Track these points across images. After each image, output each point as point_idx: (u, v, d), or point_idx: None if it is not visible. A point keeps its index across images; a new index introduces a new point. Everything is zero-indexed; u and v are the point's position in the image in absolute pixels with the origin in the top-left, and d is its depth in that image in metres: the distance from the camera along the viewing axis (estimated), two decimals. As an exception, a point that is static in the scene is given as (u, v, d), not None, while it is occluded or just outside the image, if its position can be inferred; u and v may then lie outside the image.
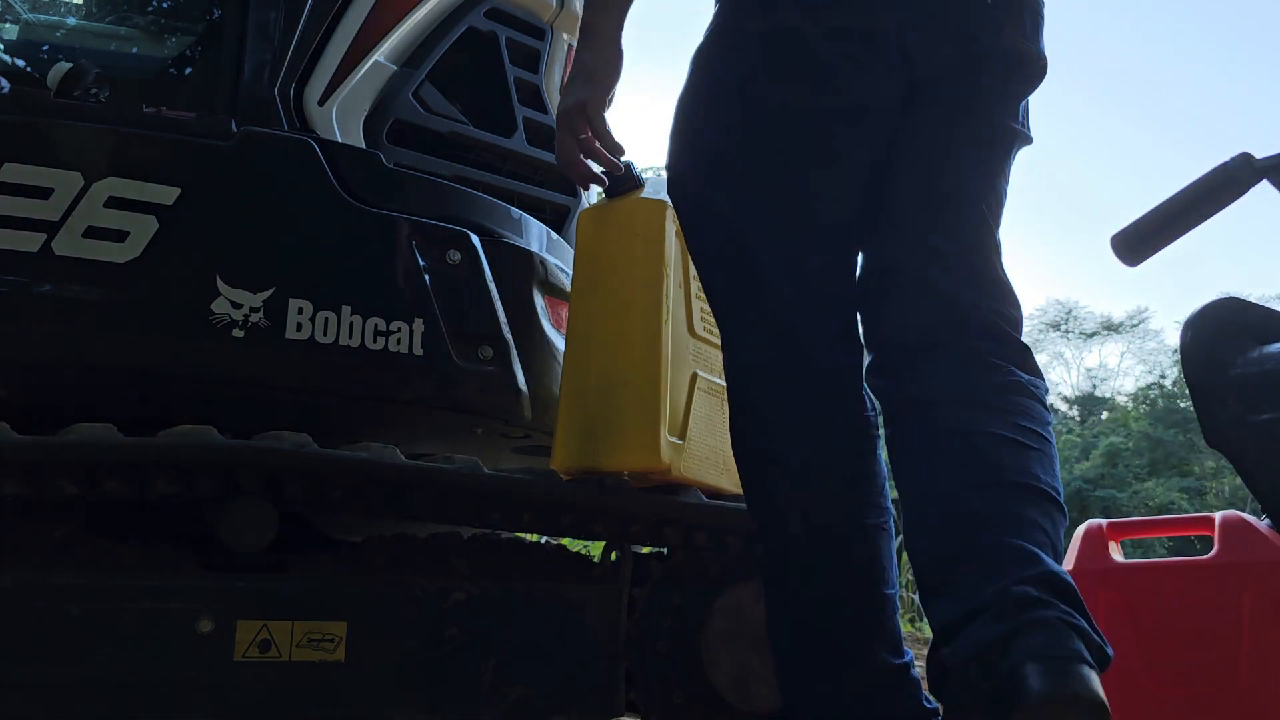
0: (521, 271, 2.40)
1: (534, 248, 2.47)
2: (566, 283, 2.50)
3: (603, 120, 1.98)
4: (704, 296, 1.95)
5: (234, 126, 2.16)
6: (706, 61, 1.84)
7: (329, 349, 2.10)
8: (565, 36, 2.72)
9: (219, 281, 2.05)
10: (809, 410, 1.78)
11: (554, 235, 2.58)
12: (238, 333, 2.04)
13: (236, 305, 2.05)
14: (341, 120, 2.28)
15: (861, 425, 1.79)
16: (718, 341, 2.14)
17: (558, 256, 2.55)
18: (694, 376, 2.26)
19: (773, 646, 1.83)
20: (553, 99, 2.64)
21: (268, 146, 2.16)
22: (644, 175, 2.32)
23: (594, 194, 2.79)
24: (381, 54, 2.37)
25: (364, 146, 2.29)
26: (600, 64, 1.95)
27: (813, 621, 1.76)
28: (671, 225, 2.25)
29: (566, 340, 2.26)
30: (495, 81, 2.54)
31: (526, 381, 2.32)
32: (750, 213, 1.78)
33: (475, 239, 2.30)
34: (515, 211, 2.46)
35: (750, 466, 1.81)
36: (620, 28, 1.99)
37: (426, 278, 2.22)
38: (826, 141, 1.77)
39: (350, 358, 2.12)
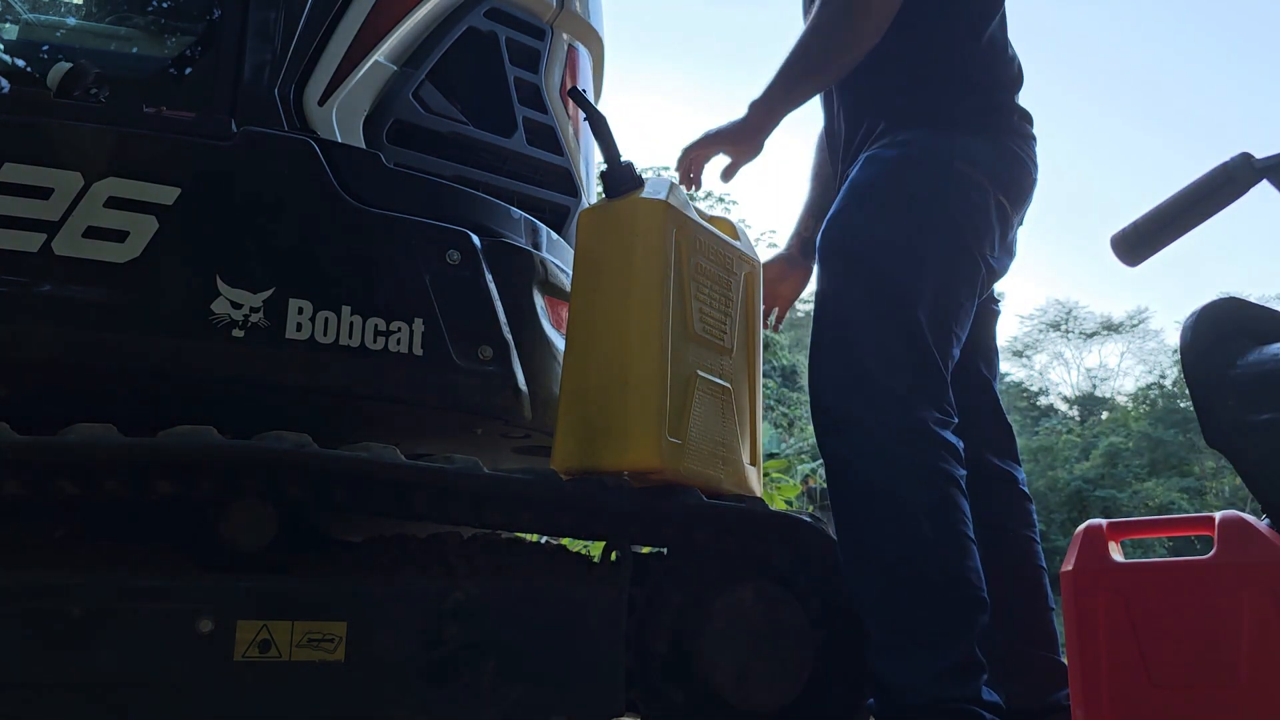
0: (521, 271, 2.40)
1: (534, 248, 2.47)
2: (567, 283, 2.50)
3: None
4: (702, 298, 2.15)
5: (234, 126, 2.16)
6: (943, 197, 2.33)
7: (329, 349, 2.10)
8: (565, 36, 2.72)
9: (219, 281, 2.04)
10: None
11: (554, 235, 2.59)
12: (238, 333, 2.04)
13: (237, 305, 2.05)
14: (341, 120, 2.28)
15: None
16: (717, 343, 2.24)
17: (558, 257, 2.55)
18: (694, 376, 2.28)
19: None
20: (552, 99, 2.64)
21: (267, 147, 2.16)
22: (643, 175, 2.34)
23: (594, 193, 2.79)
24: (381, 54, 2.37)
25: (364, 147, 2.29)
26: (756, 143, 2.38)
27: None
28: (671, 226, 2.27)
29: (566, 340, 2.29)
30: (495, 81, 2.54)
31: (526, 381, 2.32)
32: None
33: (475, 239, 2.30)
34: (515, 212, 2.46)
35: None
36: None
37: (426, 278, 2.23)
38: None
39: (350, 357, 2.12)
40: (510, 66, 2.56)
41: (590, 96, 2.74)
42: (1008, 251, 2.46)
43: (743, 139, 2.41)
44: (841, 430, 2.23)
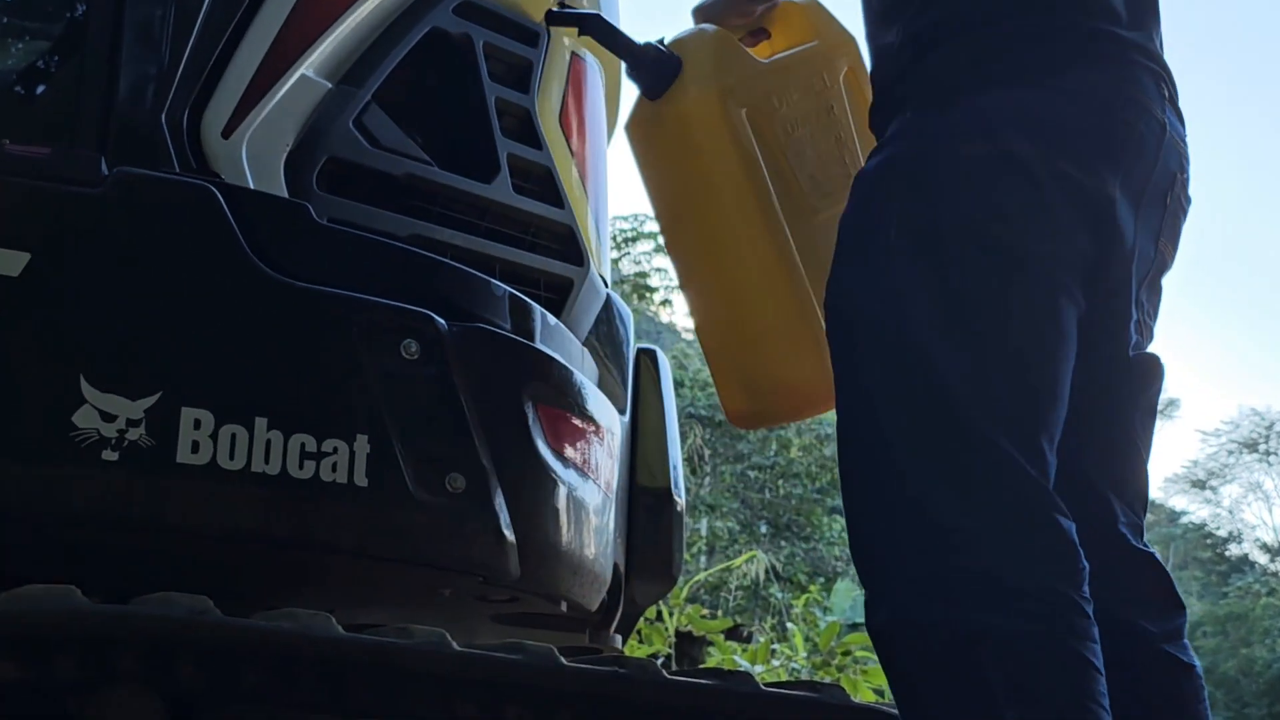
0: (506, 370, 2.40)
1: (524, 336, 2.47)
2: (571, 386, 2.51)
3: None
4: (807, 157, 2.36)
5: (104, 167, 2.16)
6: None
7: (237, 478, 2.09)
8: (567, 42, 2.75)
9: (84, 384, 2.04)
10: None
11: (551, 319, 2.58)
12: (109, 455, 2.03)
13: (108, 417, 2.04)
14: (254, 158, 2.28)
15: None
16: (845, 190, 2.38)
17: (558, 348, 2.55)
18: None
19: None
20: (550, 127, 2.66)
21: (151, 194, 2.17)
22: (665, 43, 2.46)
23: (607, 261, 2.79)
24: (310, 66, 2.38)
25: (286, 195, 2.29)
26: None
27: None
28: (736, 106, 2.44)
29: (683, 291, 2.62)
30: (469, 104, 2.56)
31: (513, 524, 2.31)
32: None
33: (441, 323, 2.29)
34: (497, 286, 2.47)
35: None
36: None
37: (372, 378, 2.22)
38: None
39: (267, 490, 2.11)
40: (490, 83, 2.58)
41: (602, 125, 2.75)
42: (1119, 242, 2.29)
43: None
44: (889, 612, 2.16)
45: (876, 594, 2.16)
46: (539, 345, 2.49)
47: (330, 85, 2.39)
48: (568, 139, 2.72)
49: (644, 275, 34.30)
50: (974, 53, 2.31)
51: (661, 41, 2.60)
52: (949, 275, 2.18)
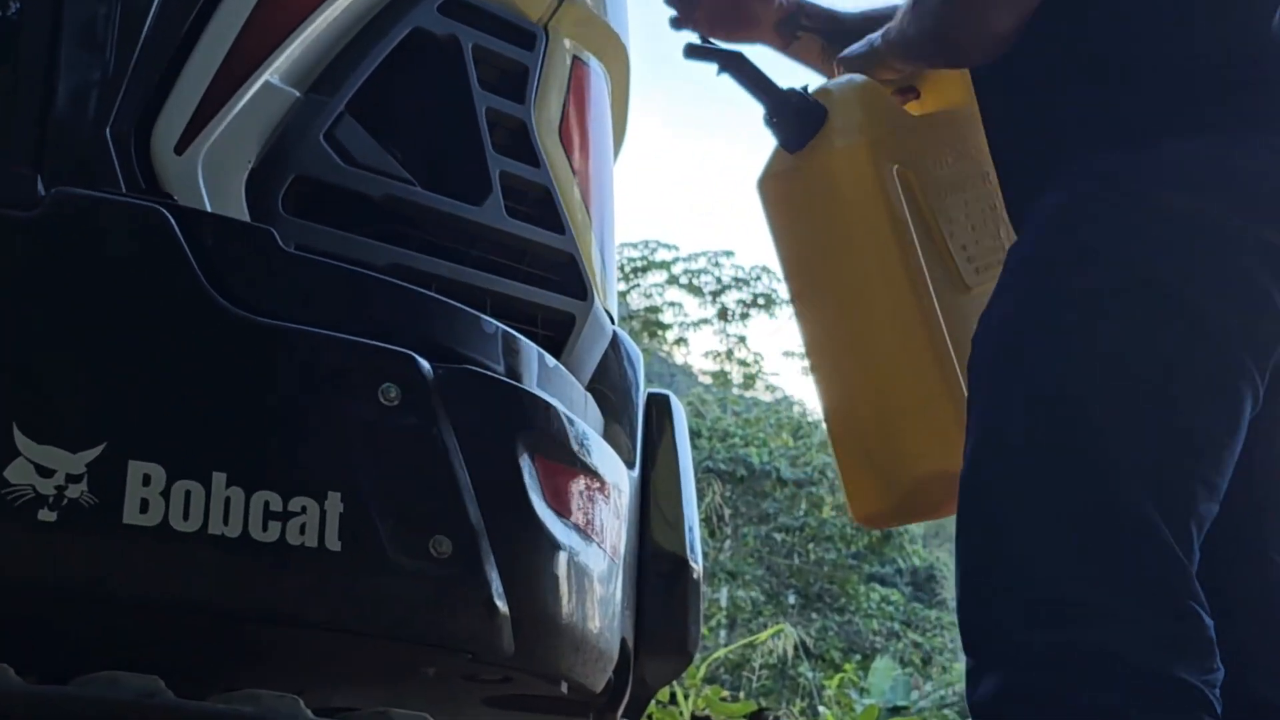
0: (499, 418, 2.39)
1: (518, 380, 2.46)
2: (573, 436, 2.50)
3: None
4: (961, 224, 2.41)
5: (40, 187, 2.15)
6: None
7: (192, 541, 2.07)
8: (568, 45, 2.75)
9: (17, 434, 2.02)
10: None
11: (550, 360, 2.58)
12: (46, 515, 2.01)
13: (45, 472, 2.02)
14: (211, 177, 2.27)
15: None
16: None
17: (558, 394, 2.54)
18: None
19: None
20: (548, 142, 2.66)
21: (94, 218, 2.15)
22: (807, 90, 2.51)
23: (611, 294, 2.78)
24: (275, 72, 2.37)
25: (247, 218, 2.28)
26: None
27: None
28: (887, 164, 2.49)
29: (811, 366, 2.64)
30: (456, 115, 2.55)
31: (506, 593, 2.29)
32: None
33: (424, 366, 2.28)
34: (488, 322, 2.46)
35: None
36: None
37: (346, 428, 2.22)
38: None
39: (226, 555, 2.09)
40: (480, 91, 2.57)
41: (608, 139, 2.74)
42: None
43: None
44: (998, 684, 2.16)
45: (984, 663, 2.18)
46: (536, 390, 2.48)
47: (298, 94, 2.39)
48: (569, 155, 2.71)
49: (656, 310, 34.50)
50: (1175, 92, 2.34)
51: (805, 89, 2.65)
52: (1123, 332, 2.23)
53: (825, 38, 3.13)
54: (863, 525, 2.60)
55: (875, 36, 2.88)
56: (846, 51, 2.95)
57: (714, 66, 2.84)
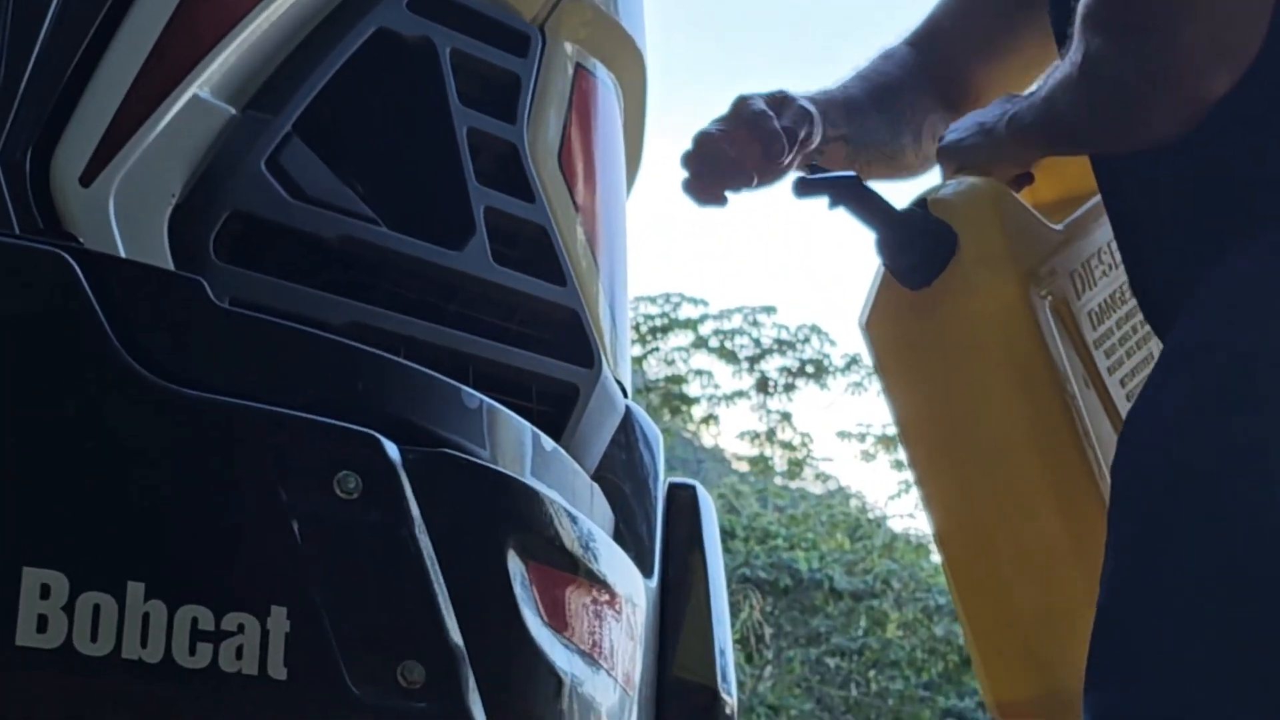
0: (484, 515, 2.39)
1: (508, 467, 2.47)
2: (575, 536, 2.50)
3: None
4: (1123, 356, 2.39)
5: (-85, 227, 2.16)
6: None
7: (102, 667, 2.06)
8: (569, 50, 2.76)
9: (-117, 534, 2.03)
10: None
11: (548, 442, 2.59)
12: (-79, 636, 2.01)
13: (-82, 581, 2.03)
14: (126, 214, 2.27)
15: None
16: None
17: (558, 484, 2.55)
18: None
19: None
20: (546, 171, 2.67)
21: (-18, 265, 2.16)
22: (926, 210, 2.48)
23: (624, 360, 2.78)
24: (204, 83, 2.38)
25: (171, 266, 2.28)
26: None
27: None
28: (1040, 298, 2.42)
29: (939, 538, 2.64)
30: (431, 138, 2.57)
31: (493, 730, 2.30)
32: None
33: (390, 450, 2.28)
34: (471, 396, 2.46)
35: None
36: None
37: (295, 527, 2.21)
38: None
39: (143, 684, 2.09)
40: (460, 108, 2.58)
41: (619, 168, 2.75)
42: None
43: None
44: None
45: None
46: (529, 479, 2.49)
47: (233, 111, 2.39)
48: (571, 187, 2.72)
49: (679, 380, 34.33)
50: None
51: (924, 203, 2.60)
52: None
53: (850, 142, 3.12)
54: (1001, 716, 2.51)
55: (990, 120, 2.88)
56: (951, 139, 2.95)
57: (824, 200, 2.82)
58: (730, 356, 34.53)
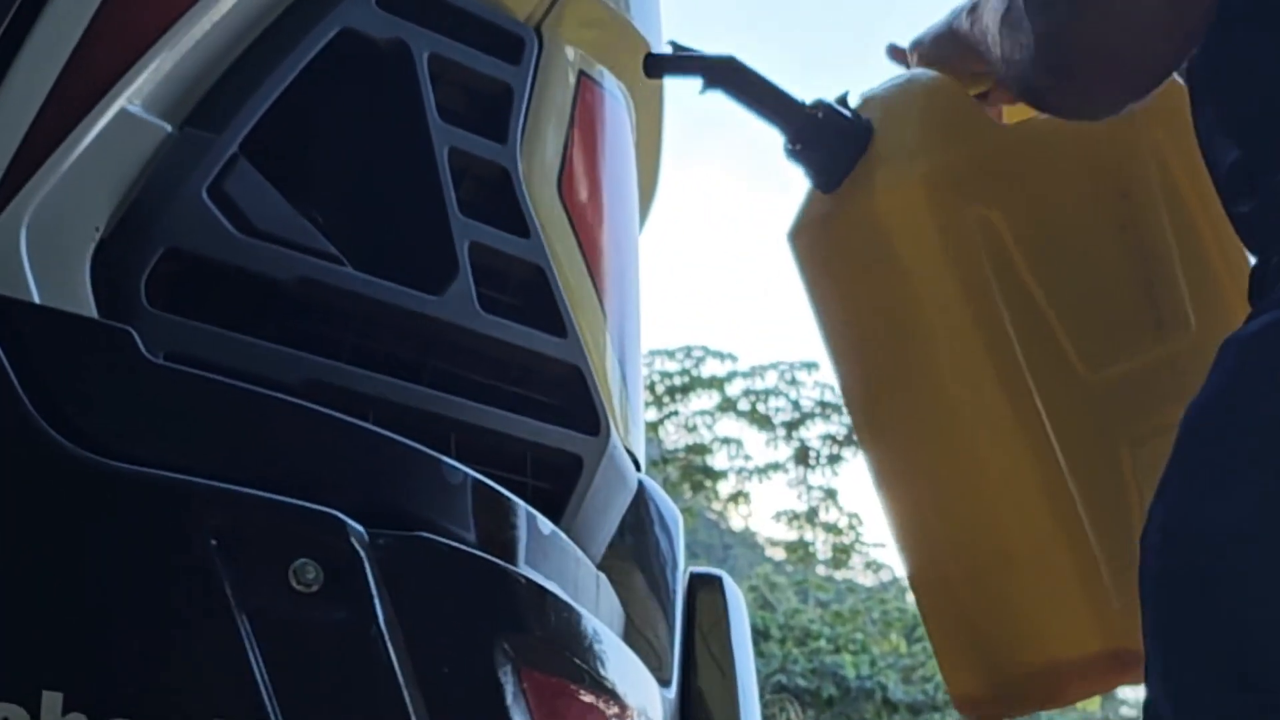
0: (469, 611, 2.41)
1: (500, 555, 2.47)
2: (578, 638, 2.52)
3: None
4: (1070, 293, 2.46)
5: None
6: None
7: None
8: (570, 54, 2.77)
9: None
10: None
11: (545, 525, 2.60)
12: None
13: None
14: (40, 252, 2.27)
15: None
16: (1137, 344, 2.57)
17: (557, 575, 2.55)
18: (1117, 453, 2.58)
19: None
20: (543, 200, 2.67)
21: None
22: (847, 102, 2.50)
23: (637, 422, 2.78)
24: (134, 95, 2.38)
25: (95, 314, 2.28)
26: None
27: None
28: (958, 203, 2.60)
29: (882, 500, 2.69)
30: (405, 160, 2.57)
31: None
32: None
33: (357, 533, 2.28)
34: (453, 469, 2.47)
35: None
36: None
37: (243, 627, 2.21)
38: None
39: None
40: (441, 124, 2.58)
41: (631, 197, 2.75)
42: None
43: None
44: None
45: None
46: (523, 568, 2.49)
47: (169, 128, 2.39)
48: (574, 220, 2.73)
49: (702, 450, 34.21)
50: None
51: (844, 100, 2.60)
52: None
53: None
54: (963, 712, 2.53)
55: (963, 5, 2.86)
56: (919, 34, 2.98)
57: (696, 83, 2.82)
58: (763, 422, 34.29)
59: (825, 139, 2.54)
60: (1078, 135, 2.67)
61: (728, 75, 2.59)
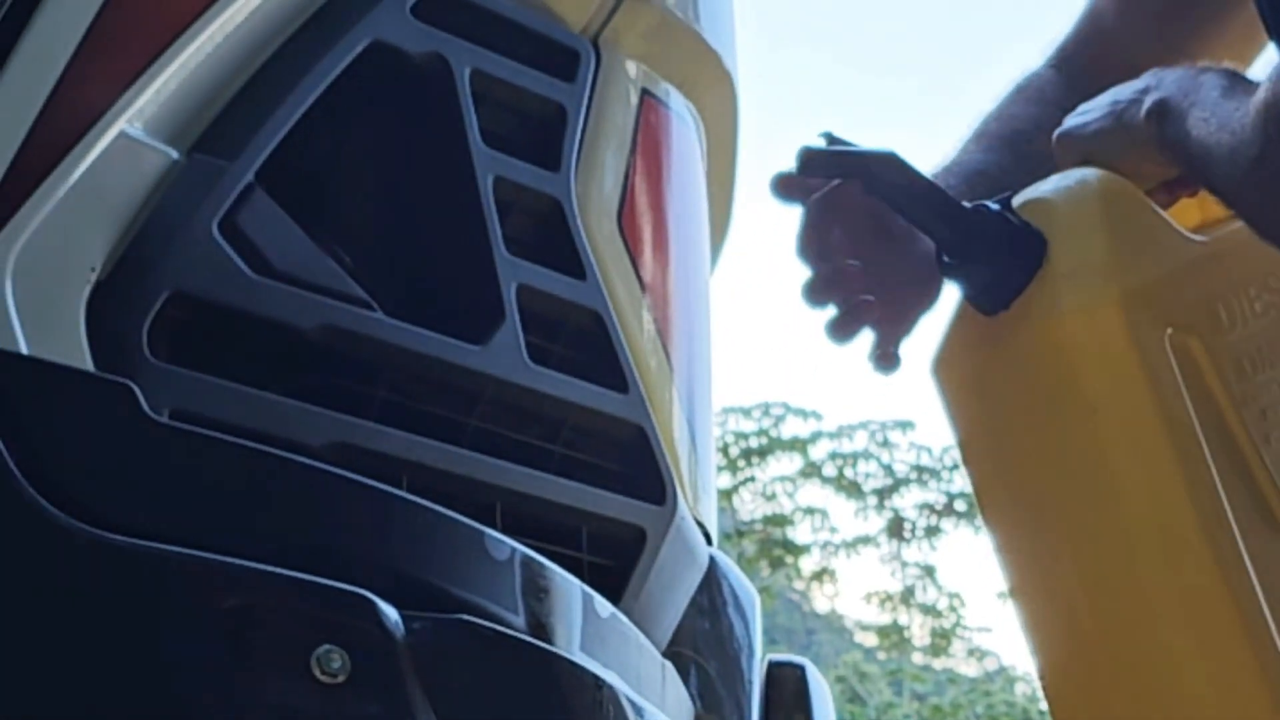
0: (515, 703, 2.40)
1: (551, 640, 2.47)
2: None
3: None
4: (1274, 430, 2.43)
5: None
6: None
7: None
8: (633, 71, 2.76)
9: None
10: None
11: (604, 607, 2.59)
12: None
13: None
14: (29, 296, 2.26)
15: None
16: None
17: (616, 663, 2.54)
18: None
19: None
20: (601, 237, 2.67)
21: None
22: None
23: (709, 494, 2.77)
24: (135, 116, 2.38)
25: (91, 366, 2.28)
26: None
27: None
28: (1153, 328, 2.58)
29: (1025, 626, 2.72)
30: (444, 191, 2.57)
31: None
32: None
33: (390, 617, 2.27)
34: (498, 542, 2.46)
35: None
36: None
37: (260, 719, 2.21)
38: None
39: None
40: (484, 150, 2.58)
41: (702, 234, 2.75)
42: None
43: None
44: None
45: None
46: (577, 656, 2.48)
47: (175, 154, 2.39)
48: (635, 260, 2.72)
49: (782, 521, 34.03)
50: None
51: (1007, 202, 2.57)
52: None
53: None
54: None
55: (1126, 100, 2.89)
56: (1072, 123, 2.98)
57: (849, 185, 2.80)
58: (852, 489, 33.91)
59: (991, 251, 2.50)
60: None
61: (889, 174, 2.55)
